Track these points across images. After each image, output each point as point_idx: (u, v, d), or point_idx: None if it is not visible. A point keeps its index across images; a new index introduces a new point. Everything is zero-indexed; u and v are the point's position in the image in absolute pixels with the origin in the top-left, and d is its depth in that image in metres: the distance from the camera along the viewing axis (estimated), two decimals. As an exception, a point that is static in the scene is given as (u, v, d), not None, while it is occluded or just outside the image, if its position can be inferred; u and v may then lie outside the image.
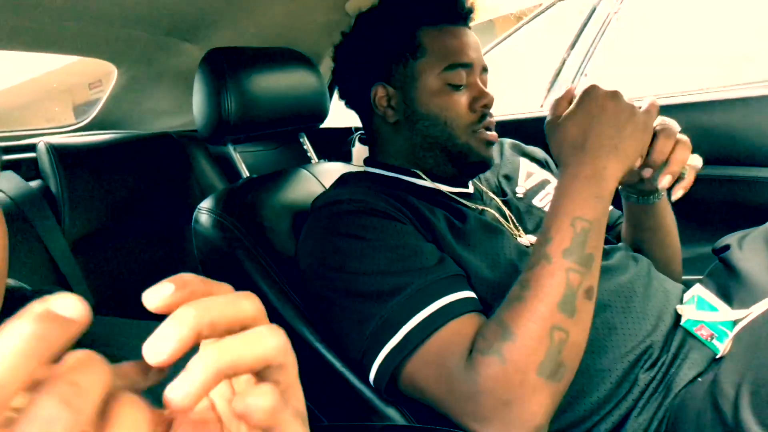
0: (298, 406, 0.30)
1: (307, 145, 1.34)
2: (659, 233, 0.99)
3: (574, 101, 0.77)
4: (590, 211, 0.69)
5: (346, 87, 1.02)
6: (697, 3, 2.55)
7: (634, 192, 0.92)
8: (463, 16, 0.93)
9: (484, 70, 0.94)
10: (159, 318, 0.27)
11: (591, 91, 0.75)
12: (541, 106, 2.12)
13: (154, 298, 0.26)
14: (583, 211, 0.69)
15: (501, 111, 2.06)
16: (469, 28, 0.96)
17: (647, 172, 0.79)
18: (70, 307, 0.22)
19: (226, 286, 0.29)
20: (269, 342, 0.27)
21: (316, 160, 1.34)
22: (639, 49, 2.50)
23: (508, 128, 1.80)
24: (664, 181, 0.75)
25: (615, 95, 0.74)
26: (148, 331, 0.25)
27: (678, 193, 0.76)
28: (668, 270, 0.99)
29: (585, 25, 2.30)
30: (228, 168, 1.67)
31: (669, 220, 0.98)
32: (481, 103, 0.89)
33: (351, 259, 0.75)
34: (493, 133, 0.92)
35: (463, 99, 0.90)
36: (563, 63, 2.24)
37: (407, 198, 0.85)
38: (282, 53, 1.22)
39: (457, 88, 0.89)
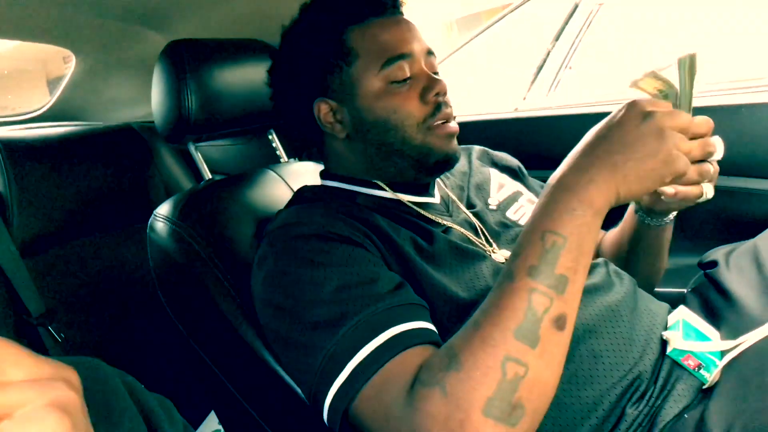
0: None
1: (276, 143, 1.27)
2: (655, 252, 0.94)
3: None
4: (567, 225, 0.59)
5: (286, 109, 0.93)
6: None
7: (644, 211, 0.86)
8: (390, 3, 0.85)
9: (429, 53, 0.86)
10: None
11: (631, 103, 0.63)
12: (524, 99, 2.07)
13: None
14: (555, 224, 0.59)
15: (484, 107, 2.01)
16: (402, 14, 0.88)
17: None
18: None
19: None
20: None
21: (286, 159, 1.27)
22: (624, 42, 2.45)
23: (479, 129, 1.75)
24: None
25: (650, 114, 0.61)
26: None
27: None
28: (647, 285, 0.94)
29: (570, 16, 2.24)
30: (194, 162, 1.60)
31: (668, 238, 0.92)
32: (432, 93, 0.81)
33: (301, 287, 0.69)
34: (453, 125, 0.84)
35: (411, 93, 0.82)
36: (548, 55, 2.18)
37: (370, 218, 0.78)
38: (249, 45, 1.14)
39: (402, 82, 0.82)
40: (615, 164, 0.60)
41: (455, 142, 0.85)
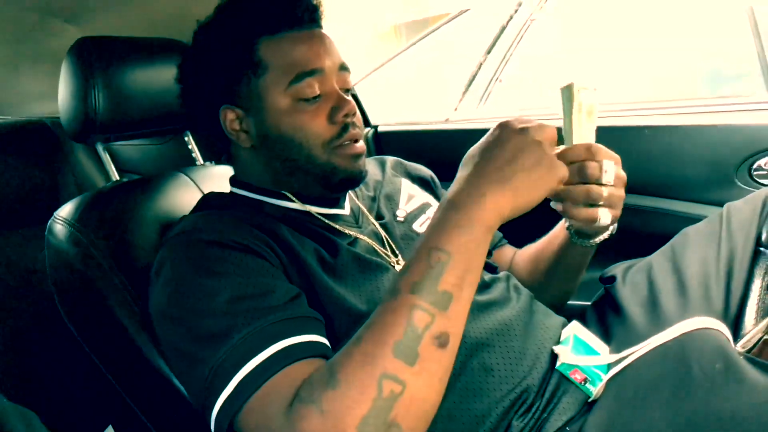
0: None
1: (192, 145, 1.24)
2: (575, 271, 0.96)
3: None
4: (453, 242, 0.59)
5: (192, 111, 0.91)
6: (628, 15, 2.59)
7: (574, 230, 0.88)
8: (307, 17, 0.83)
9: (343, 68, 0.85)
10: None
11: (503, 124, 0.66)
12: (455, 109, 2.10)
13: None
14: (444, 241, 0.59)
15: (417, 115, 2.03)
16: (320, 27, 0.86)
17: (557, 206, 0.76)
18: None
19: None
20: None
21: (201, 162, 1.24)
22: (554, 56, 2.52)
23: (404, 139, 1.77)
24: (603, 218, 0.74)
25: (524, 129, 0.64)
26: None
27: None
28: (560, 302, 0.97)
29: (503, 29, 2.29)
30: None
31: (587, 261, 0.95)
32: (341, 114, 0.81)
33: (195, 297, 0.67)
34: (360, 145, 0.84)
35: (319, 112, 0.81)
36: (479, 67, 2.22)
37: (276, 228, 0.78)
38: (165, 45, 1.11)
39: (310, 100, 0.81)
40: (504, 177, 0.62)
41: (362, 161, 0.85)
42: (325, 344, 0.67)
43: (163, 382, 0.83)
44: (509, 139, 0.64)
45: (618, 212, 0.78)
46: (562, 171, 0.66)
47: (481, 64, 2.22)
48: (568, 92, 0.73)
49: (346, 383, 0.55)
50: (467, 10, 2.56)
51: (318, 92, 0.81)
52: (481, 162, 0.64)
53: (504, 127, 0.65)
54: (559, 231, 0.95)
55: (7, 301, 1.31)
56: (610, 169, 0.73)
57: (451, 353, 0.58)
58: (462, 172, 0.65)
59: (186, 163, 1.19)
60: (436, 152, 1.78)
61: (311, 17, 0.85)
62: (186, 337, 0.66)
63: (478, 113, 2.06)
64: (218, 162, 1.25)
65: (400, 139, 1.84)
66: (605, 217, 0.75)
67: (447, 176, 1.17)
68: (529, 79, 2.31)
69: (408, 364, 0.55)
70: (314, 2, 0.85)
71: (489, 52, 2.23)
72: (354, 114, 0.83)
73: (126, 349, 0.85)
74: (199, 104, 0.88)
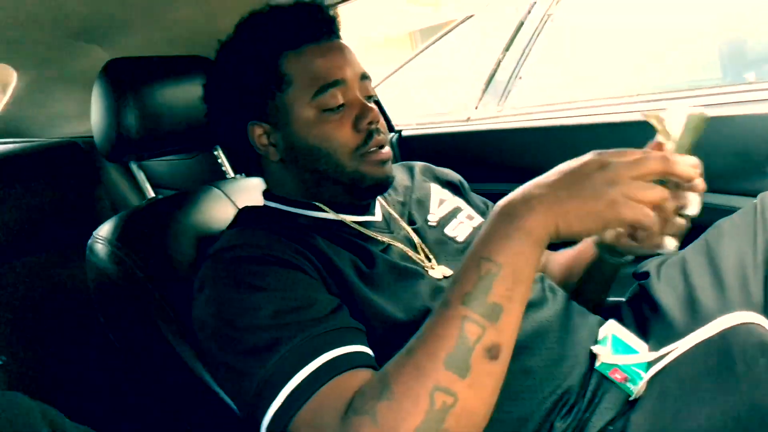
0: None
1: (222, 159, 1.26)
2: (606, 284, 0.97)
3: None
4: (503, 254, 0.58)
5: (221, 129, 0.92)
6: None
7: (605, 247, 0.87)
8: (326, 29, 0.86)
9: (364, 77, 0.87)
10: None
11: (595, 153, 0.62)
12: (476, 108, 2.10)
13: None
14: (494, 252, 0.58)
15: (438, 115, 2.04)
16: (339, 38, 0.88)
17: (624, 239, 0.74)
18: None
19: None
20: None
21: (232, 175, 1.26)
22: (575, 51, 2.51)
23: (427, 143, 1.77)
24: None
25: (610, 164, 0.60)
26: None
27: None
28: (592, 305, 0.96)
29: (520, 26, 2.28)
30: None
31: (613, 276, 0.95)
32: (365, 121, 0.82)
33: (239, 312, 0.69)
34: (386, 151, 0.85)
35: (344, 121, 0.83)
36: (498, 65, 2.22)
37: (312, 241, 0.79)
38: (190, 62, 1.14)
39: (335, 110, 0.82)
40: (558, 198, 0.59)
41: (388, 166, 0.86)
42: (369, 354, 0.68)
43: (204, 390, 0.84)
44: (587, 167, 0.61)
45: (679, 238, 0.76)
46: (626, 214, 0.58)
47: (499, 61, 2.22)
48: (698, 121, 0.68)
49: (399, 395, 0.56)
50: (472, 16, 2.58)
51: (342, 102, 0.83)
52: (546, 177, 0.62)
53: (594, 156, 0.62)
54: (588, 246, 0.95)
55: (49, 317, 1.34)
56: (695, 202, 0.70)
57: (503, 365, 0.58)
58: (521, 187, 0.64)
59: (214, 176, 1.21)
60: (460, 154, 1.79)
61: (330, 29, 0.87)
62: (233, 352, 0.68)
63: (498, 110, 2.05)
64: (248, 174, 1.27)
65: (424, 143, 1.85)
66: (671, 245, 0.72)
67: (472, 178, 1.18)
68: (549, 74, 2.30)
69: (460, 377, 0.55)
70: (331, 14, 0.87)
71: (507, 49, 2.22)
72: (378, 121, 0.84)
73: (167, 360, 0.87)
74: (225, 122, 0.90)
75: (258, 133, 0.86)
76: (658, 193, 0.59)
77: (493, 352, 0.57)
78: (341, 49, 0.86)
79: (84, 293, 1.38)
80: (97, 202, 1.46)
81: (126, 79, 1.00)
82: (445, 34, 2.57)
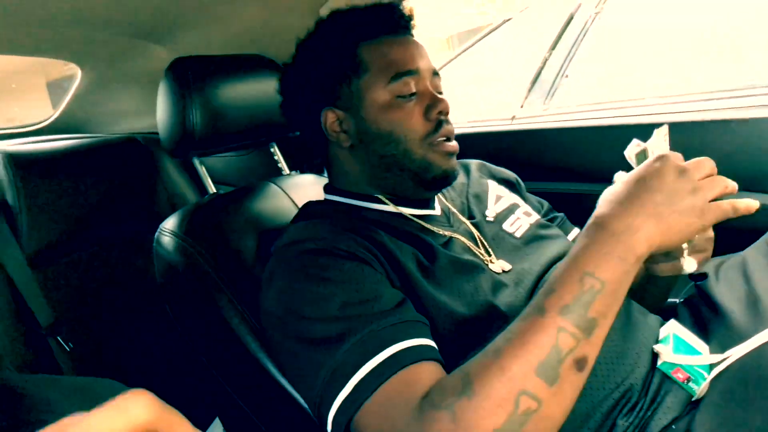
0: None
1: (278, 156, 1.29)
2: (666, 289, 0.98)
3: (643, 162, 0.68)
4: (607, 270, 0.59)
5: (295, 117, 0.96)
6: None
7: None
8: (403, 25, 0.90)
9: (435, 74, 0.90)
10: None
11: (662, 158, 0.65)
12: (521, 107, 2.09)
13: None
14: (598, 268, 0.59)
15: (484, 114, 2.04)
16: (412, 35, 0.92)
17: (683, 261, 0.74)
18: None
19: None
20: None
21: (288, 172, 1.29)
22: (621, 49, 2.47)
23: (476, 142, 1.77)
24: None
25: (685, 170, 0.63)
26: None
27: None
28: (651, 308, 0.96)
29: (567, 24, 2.27)
30: (198, 173, 1.62)
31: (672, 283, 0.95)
32: (435, 111, 0.85)
33: (307, 303, 0.71)
34: (453, 144, 0.88)
35: (416, 108, 0.86)
36: (544, 63, 2.21)
37: (375, 234, 0.81)
38: (251, 60, 1.17)
39: (407, 98, 0.85)
40: (661, 215, 0.61)
41: (454, 159, 0.88)
42: (434, 347, 0.69)
43: (268, 378, 0.87)
44: (668, 174, 0.63)
45: (709, 254, 0.77)
46: (710, 218, 0.63)
47: (546, 60, 2.21)
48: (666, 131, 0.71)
49: (482, 395, 0.56)
50: (510, 19, 2.58)
51: (414, 90, 0.86)
52: (638, 193, 0.63)
53: (664, 162, 0.64)
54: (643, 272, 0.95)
55: (113, 305, 1.40)
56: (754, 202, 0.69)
57: (586, 376, 0.59)
58: (613, 197, 0.65)
59: (268, 172, 1.24)
60: (506, 153, 1.79)
61: (405, 24, 0.91)
62: (301, 343, 0.70)
63: (544, 109, 2.04)
64: (302, 171, 1.30)
65: (470, 141, 1.85)
66: (690, 266, 0.73)
67: (521, 176, 1.19)
68: (595, 73, 2.27)
69: (548, 384, 0.56)
70: (409, 13, 0.90)
71: (554, 48, 2.21)
72: (448, 112, 0.87)
73: (232, 348, 0.90)
74: (300, 109, 0.94)
75: (331, 119, 0.89)
76: (722, 182, 0.64)
77: (581, 364, 0.58)
78: (416, 44, 0.90)
79: (146, 283, 1.44)
80: (155, 196, 1.51)
81: (192, 76, 1.04)
82: (486, 35, 2.58)
